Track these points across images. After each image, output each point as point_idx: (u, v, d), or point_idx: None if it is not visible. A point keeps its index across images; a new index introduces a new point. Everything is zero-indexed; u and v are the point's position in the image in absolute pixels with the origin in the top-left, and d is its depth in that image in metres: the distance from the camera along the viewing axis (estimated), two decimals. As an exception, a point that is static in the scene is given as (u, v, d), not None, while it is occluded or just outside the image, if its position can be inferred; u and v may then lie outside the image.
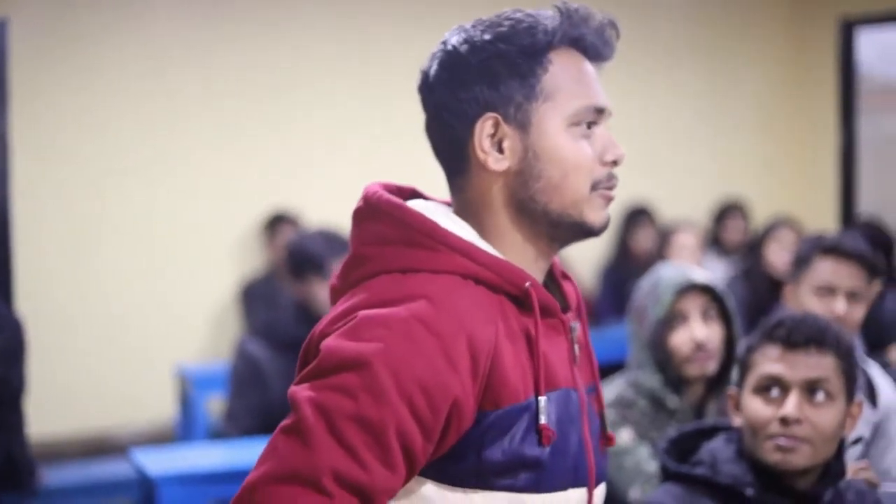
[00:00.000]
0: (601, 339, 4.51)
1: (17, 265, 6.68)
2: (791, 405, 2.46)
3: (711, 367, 3.27)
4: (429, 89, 1.81)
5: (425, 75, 1.82)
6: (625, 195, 8.07)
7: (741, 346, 2.64)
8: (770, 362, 2.52)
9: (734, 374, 2.79)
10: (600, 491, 1.87)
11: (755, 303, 5.91)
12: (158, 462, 4.89)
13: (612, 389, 3.41)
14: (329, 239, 5.06)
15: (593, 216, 1.79)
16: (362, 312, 1.67)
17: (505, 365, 1.69)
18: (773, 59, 9.01)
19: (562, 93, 1.76)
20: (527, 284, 1.74)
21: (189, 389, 6.15)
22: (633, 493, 3.14)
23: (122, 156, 6.95)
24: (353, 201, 1.83)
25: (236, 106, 7.29)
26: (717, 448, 2.60)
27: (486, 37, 1.76)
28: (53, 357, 6.58)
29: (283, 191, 7.30)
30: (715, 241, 7.97)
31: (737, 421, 2.60)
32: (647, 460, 3.19)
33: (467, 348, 1.65)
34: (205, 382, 6.07)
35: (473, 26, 1.80)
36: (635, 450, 3.23)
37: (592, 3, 1.81)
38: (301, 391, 1.65)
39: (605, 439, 1.91)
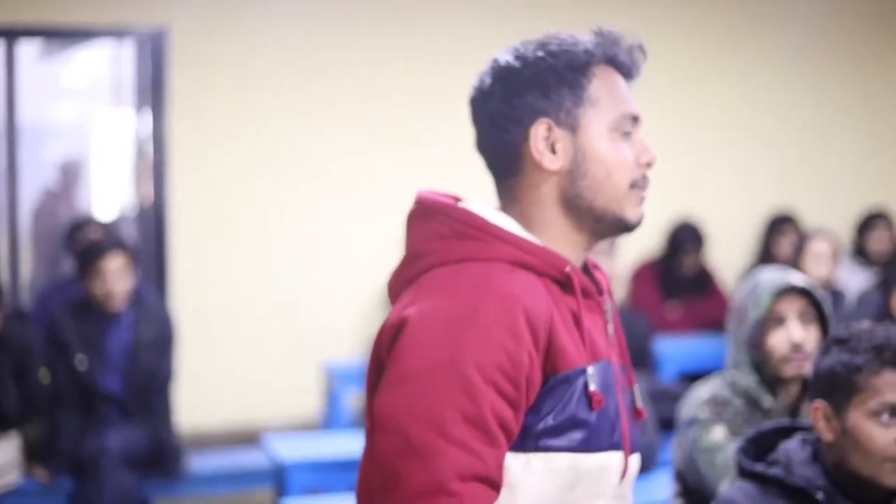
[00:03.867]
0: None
1: (172, 262, 7.00)
2: None
3: (807, 368, 3.32)
4: (483, 99, 2.01)
5: (479, 88, 2.02)
6: (769, 202, 8.07)
7: (834, 358, 2.62)
8: (891, 389, 2.52)
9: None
10: (635, 459, 2.05)
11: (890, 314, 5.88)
12: (290, 448, 5.11)
13: (707, 388, 3.50)
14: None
15: (631, 212, 2.01)
16: (431, 311, 1.87)
17: (561, 334, 1.88)
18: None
19: (603, 101, 1.99)
20: (567, 268, 1.94)
21: (334, 385, 6.39)
22: (723, 488, 3.23)
23: (276, 158, 7.19)
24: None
25: (390, 108, 7.47)
26: (793, 449, 2.65)
27: (537, 53, 1.98)
28: (206, 351, 6.86)
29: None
30: (860, 252, 7.91)
31: (828, 436, 2.60)
32: None
33: (526, 323, 1.83)
34: (349, 378, 6.31)
35: (523, 45, 2.01)
36: (727, 447, 3.32)
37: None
38: (397, 406, 1.83)
39: (636, 412, 2.09)
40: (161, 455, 5.75)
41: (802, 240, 6.60)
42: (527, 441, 1.87)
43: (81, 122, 9.12)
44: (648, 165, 2.02)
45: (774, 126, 8.34)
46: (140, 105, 7.09)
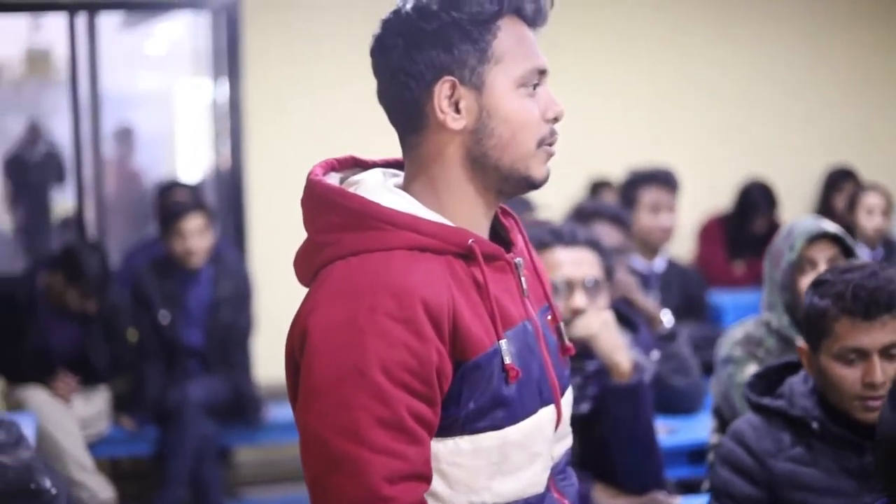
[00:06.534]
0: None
1: (250, 222, 7.28)
2: (878, 372, 2.62)
3: None
4: (383, 53, 1.92)
5: (380, 40, 1.93)
6: (829, 160, 8.18)
7: (808, 301, 2.74)
8: (852, 335, 2.64)
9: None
10: (567, 397, 2.06)
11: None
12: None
13: (742, 328, 3.70)
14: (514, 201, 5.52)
15: (537, 170, 1.93)
16: (329, 318, 1.82)
17: (465, 320, 1.83)
18: None
19: (509, 56, 1.89)
20: (469, 241, 1.87)
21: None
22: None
23: (347, 120, 7.38)
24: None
25: None
26: (796, 383, 2.82)
27: (441, 5, 1.87)
28: (283, 305, 7.10)
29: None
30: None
31: (811, 373, 2.76)
32: None
33: (427, 317, 1.79)
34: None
35: None
36: (759, 384, 3.53)
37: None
38: (314, 422, 1.80)
39: (564, 350, 2.07)
40: (241, 405, 6.02)
41: (856, 193, 6.74)
42: (452, 427, 1.85)
43: (164, 91, 9.41)
44: (555, 120, 1.94)
45: (834, 85, 8.41)
46: (217, 73, 7.37)
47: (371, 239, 1.85)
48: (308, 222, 1.96)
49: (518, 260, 1.98)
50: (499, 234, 2.03)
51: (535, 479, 1.95)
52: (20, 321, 5.76)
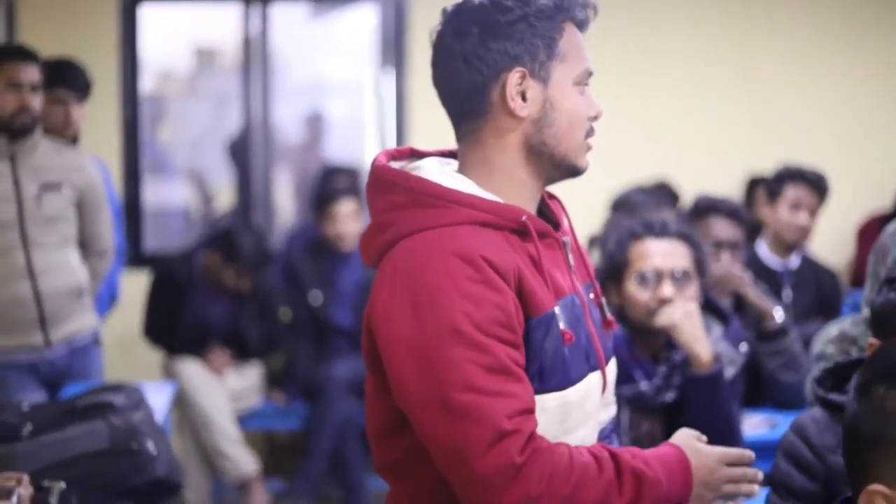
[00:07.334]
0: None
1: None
2: None
3: None
4: (457, 39, 2.06)
5: (451, 27, 2.08)
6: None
7: (883, 297, 2.73)
8: None
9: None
10: (611, 366, 2.24)
11: None
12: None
13: (839, 326, 3.65)
14: (652, 192, 5.58)
15: (582, 161, 2.14)
16: (412, 290, 1.96)
17: (529, 280, 2.01)
18: None
19: (571, 57, 2.09)
20: (523, 218, 2.05)
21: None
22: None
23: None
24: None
25: (663, 60, 7.69)
26: None
27: (515, 1, 2.05)
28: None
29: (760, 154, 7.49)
30: None
31: None
32: None
33: (498, 274, 1.96)
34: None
35: None
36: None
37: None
38: (429, 386, 1.94)
39: (606, 324, 2.26)
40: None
41: None
42: None
43: (353, 80, 9.64)
44: (595, 118, 2.14)
45: None
46: (384, 64, 7.58)
47: (434, 216, 2.02)
48: (372, 205, 2.12)
49: (566, 239, 2.18)
50: (546, 217, 2.20)
51: (588, 438, 2.12)
52: (180, 297, 6.07)
